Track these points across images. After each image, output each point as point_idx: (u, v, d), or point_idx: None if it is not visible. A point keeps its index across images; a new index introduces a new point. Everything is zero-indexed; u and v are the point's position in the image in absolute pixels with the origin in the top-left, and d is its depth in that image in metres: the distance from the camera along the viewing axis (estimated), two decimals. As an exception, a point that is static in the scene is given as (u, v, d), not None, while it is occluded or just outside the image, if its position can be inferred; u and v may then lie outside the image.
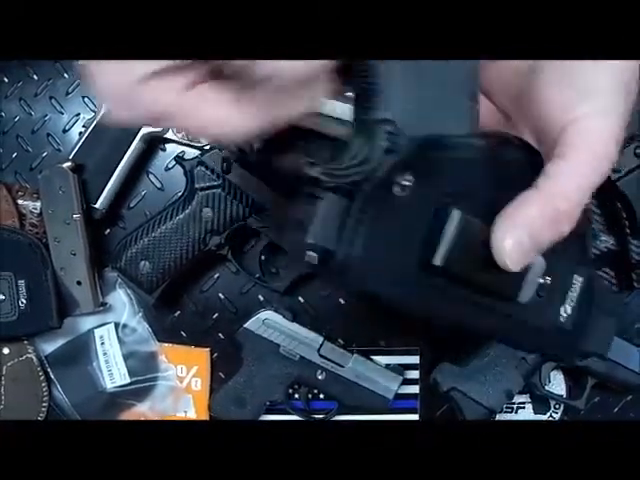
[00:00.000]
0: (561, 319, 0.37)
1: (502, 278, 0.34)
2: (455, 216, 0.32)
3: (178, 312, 0.73)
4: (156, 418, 0.71)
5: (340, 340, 0.72)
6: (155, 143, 0.71)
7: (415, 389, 0.73)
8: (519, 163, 0.35)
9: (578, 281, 0.38)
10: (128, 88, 0.29)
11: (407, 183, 0.30)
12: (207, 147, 0.67)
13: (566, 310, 0.37)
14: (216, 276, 0.72)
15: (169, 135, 0.69)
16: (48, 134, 0.72)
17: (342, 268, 0.31)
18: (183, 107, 0.30)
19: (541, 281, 0.35)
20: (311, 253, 0.31)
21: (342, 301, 0.72)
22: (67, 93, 0.72)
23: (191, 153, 0.70)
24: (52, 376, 0.71)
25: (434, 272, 0.32)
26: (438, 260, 0.32)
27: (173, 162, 0.71)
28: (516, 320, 0.36)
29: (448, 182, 0.32)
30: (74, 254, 0.67)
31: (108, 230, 0.72)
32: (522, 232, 0.32)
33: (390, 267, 0.32)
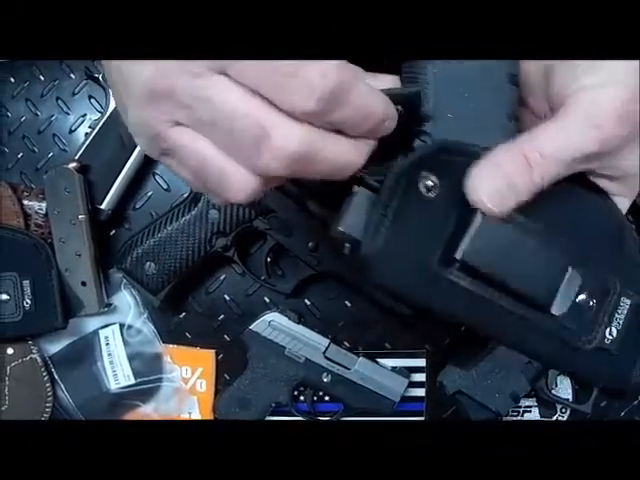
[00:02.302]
0: (606, 341, 0.36)
1: (531, 282, 0.34)
2: (479, 216, 0.33)
3: (183, 313, 0.72)
4: (160, 419, 0.71)
5: (346, 342, 0.72)
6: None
7: (421, 392, 0.72)
8: None
9: (626, 304, 0.36)
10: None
11: (431, 183, 0.32)
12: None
13: (611, 332, 0.36)
14: (222, 278, 0.72)
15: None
16: (54, 134, 0.72)
17: (365, 261, 0.32)
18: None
19: (582, 298, 0.35)
20: (347, 245, 0.33)
21: (348, 303, 0.72)
22: (73, 94, 0.72)
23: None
24: (56, 376, 0.71)
25: (455, 267, 0.34)
26: (459, 254, 0.33)
27: (179, 163, 0.71)
28: (552, 336, 0.36)
29: None
30: (79, 255, 0.67)
31: (114, 231, 0.72)
32: (495, 172, 0.33)
33: (410, 262, 0.33)
